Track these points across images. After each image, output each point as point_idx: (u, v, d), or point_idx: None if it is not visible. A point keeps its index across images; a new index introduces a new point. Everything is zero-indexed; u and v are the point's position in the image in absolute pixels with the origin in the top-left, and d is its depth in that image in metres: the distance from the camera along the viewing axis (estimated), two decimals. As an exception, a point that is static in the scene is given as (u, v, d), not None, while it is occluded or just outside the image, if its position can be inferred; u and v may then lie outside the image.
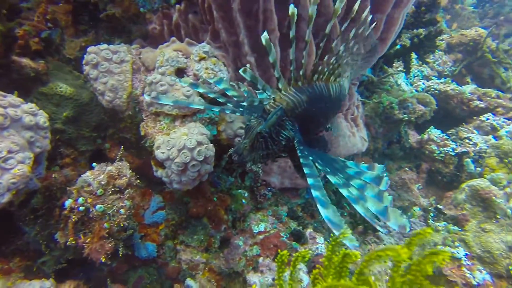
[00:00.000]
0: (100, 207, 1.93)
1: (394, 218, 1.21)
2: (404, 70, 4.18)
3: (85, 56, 2.33)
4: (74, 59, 2.74)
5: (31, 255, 2.09)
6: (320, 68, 2.00)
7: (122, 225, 2.01)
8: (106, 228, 1.94)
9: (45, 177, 2.03)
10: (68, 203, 1.89)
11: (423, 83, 4.71)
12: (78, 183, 1.99)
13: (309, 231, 3.06)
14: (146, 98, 2.19)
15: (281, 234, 2.89)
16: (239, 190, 3.02)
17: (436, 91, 4.52)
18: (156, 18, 2.56)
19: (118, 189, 2.04)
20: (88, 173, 2.01)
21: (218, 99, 2.18)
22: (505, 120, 4.30)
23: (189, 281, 2.37)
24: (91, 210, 1.93)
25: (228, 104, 2.11)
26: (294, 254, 0.93)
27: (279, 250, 2.65)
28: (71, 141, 2.51)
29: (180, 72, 2.29)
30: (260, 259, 2.71)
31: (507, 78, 4.97)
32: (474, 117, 4.49)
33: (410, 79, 4.77)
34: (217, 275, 2.75)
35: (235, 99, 2.06)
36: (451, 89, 4.47)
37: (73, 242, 1.87)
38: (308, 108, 1.89)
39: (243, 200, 2.95)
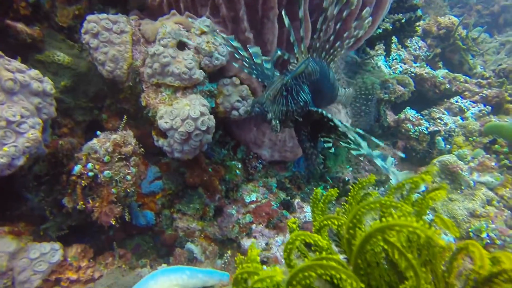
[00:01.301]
0: (108, 173, 2.01)
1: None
2: (384, 52, 4.41)
3: (83, 24, 2.31)
4: (67, 28, 2.69)
5: (35, 221, 2.13)
6: (327, 46, 2.13)
7: (128, 191, 2.10)
8: (114, 194, 2.03)
9: (50, 144, 2.06)
10: (78, 168, 1.95)
11: (401, 66, 4.99)
12: (85, 150, 2.04)
13: (297, 201, 3.28)
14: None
15: (272, 203, 3.08)
16: (233, 162, 3.16)
17: (413, 74, 4.82)
18: (155, -11, 2.56)
19: (124, 156, 2.11)
20: (95, 140, 2.07)
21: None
22: (471, 103, 4.69)
23: (190, 245, 2.52)
24: (99, 176, 2.00)
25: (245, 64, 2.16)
26: (325, 193, 1.09)
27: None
28: (69, 111, 2.52)
29: (181, 45, 2.34)
30: (253, 226, 2.90)
31: (473, 64, 5.37)
32: (445, 100, 4.86)
33: (389, 62, 5.03)
34: (212, 241, 2.92)
35: (247, 59, 2.14)
36: (425, 73, 4.79)
37: (83, 206, 1.95)
38: (319, 79, 2.02)
39: (237, 171, 3.10)
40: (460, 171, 3.58)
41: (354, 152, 2.02)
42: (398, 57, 5.14)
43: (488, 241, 3.10)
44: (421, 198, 0.92)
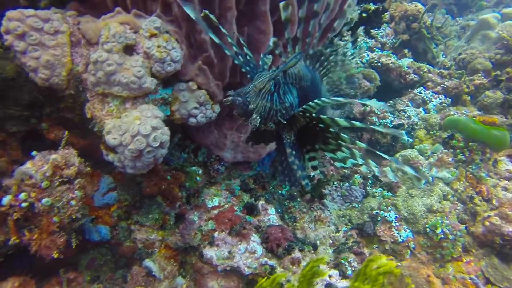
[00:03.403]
0: (47, 201, 1.79)
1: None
2: (350, 39, 4.30)
3: (3, 22, 1.94)
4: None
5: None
6: (322, 58, 1.99)
7: (74, 217, 1.90)
8: (55, 222, 1.82)
9: (-27, 170, 1.79)
10: (6, 200, 1.71)
11: (367, 55, 4.93)
12: (16, 175, 1.80)
13: (261, 203, 3.21)
14: None
15: (235, 208, 3.00)
16: (193, 167, 3.00)
17: (379, 64, 4.79)
18: (95, -20, 2.22)
19: (66, 179, 1.89)
20: (28, 164, 1.82)
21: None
22: (433, 94, 4.78)
23: (147, 262, 2.39)
24: (35, 205, 1.78)
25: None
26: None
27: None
28: (-2, 122, 2.20)
29: (128, 50, 2.08)
30: (216, 234, 2.81)
31: (436, 53, 5.44)
32: (409, 90, 4.91)
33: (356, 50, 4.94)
34: (173, 251, 2.81)
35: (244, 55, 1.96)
36: (391, 63, 4.77)
37: (17, 240, 1.73)
38: (309, 88, 1.87)
39: (197, 178, 2.96)
40: (420, 166, 3.67)
41: (338, 164, 1.95)
42: (365, 45, 5.06)
43: (442, 236, 3.25)
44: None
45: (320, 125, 1.83)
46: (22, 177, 1.77)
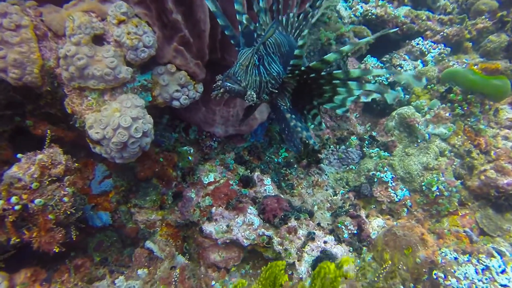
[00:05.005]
0: (40, 201, 1.86)
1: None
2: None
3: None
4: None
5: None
6: (291, 20, 2.05)
7: (69, 212, 1.97)
8: (51, 220, 1.91)
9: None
10: None
11: (361, 7, 4.64)
12: (5, 180, 1.84)
13: (256, 174, 3.25)
14: None
15: (231, 183, 3.05)
16: (185, 147, 3.03)
17: (373, 16, 4.52)
18: (52, -36, 2.07)
19: (55, 178, 1.94)
20: (14, 168, 1.86)
21: None
22: (432, 43, 4.54)
23: (148, 244, 2.52)
24: (29, 206, 1.85)
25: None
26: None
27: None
28: (-18, 124, 2.22)
29: (98, 40, 2.00)
30: (213, 209, 2.90)
31: (437, -4, 5.09)
32: (407, 41, 4.67)
33: (349, 2, 4.65)
34: (174, 228, 2.93)
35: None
36: (386, 14, 4.49)
37: (17, 240, 1.83)
38: (289, 53, 1.93)
39: (189, 157, 2.99)
40: (416, 124, 3.61)
41: (340, 111, 1.99)
42: (360, -5, 4.75)
43: (438, 193, 3.29)
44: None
45: (311, 75, 1.87)
46: (11, 180, 1.82)
